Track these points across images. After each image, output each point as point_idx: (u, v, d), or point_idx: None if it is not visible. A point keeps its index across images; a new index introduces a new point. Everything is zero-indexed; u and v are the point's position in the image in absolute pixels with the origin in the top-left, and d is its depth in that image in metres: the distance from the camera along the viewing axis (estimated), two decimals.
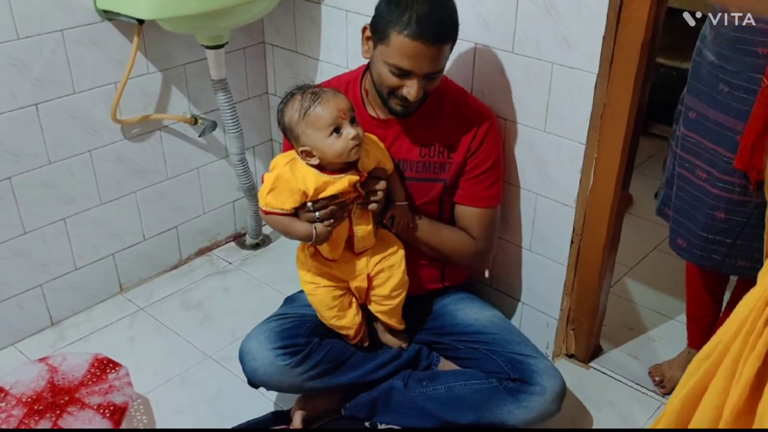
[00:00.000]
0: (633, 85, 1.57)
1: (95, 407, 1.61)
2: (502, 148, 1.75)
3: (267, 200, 1.50)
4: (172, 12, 1.78)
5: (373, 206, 1.56)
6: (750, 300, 0.94)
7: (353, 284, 1.64)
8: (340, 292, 1.64)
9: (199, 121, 2.18)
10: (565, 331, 1.94)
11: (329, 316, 1.65)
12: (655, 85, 1.75)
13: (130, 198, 2.15)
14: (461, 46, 1.77)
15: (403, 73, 1.48)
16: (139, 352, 1.99)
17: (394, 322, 1.72)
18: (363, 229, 1.58)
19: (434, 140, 1.66)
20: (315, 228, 1.49)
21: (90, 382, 1.68)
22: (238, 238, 2.50)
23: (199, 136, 2.22)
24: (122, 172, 2.10)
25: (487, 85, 1.78)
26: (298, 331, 1.65)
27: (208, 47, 2.00)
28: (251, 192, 2.27)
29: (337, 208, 1.51)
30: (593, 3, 1.51)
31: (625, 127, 1.62)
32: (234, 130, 2.16)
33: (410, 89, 1.48)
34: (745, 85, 1.40)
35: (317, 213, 1.49)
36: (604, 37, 1.53)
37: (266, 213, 1.52)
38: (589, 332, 1.93)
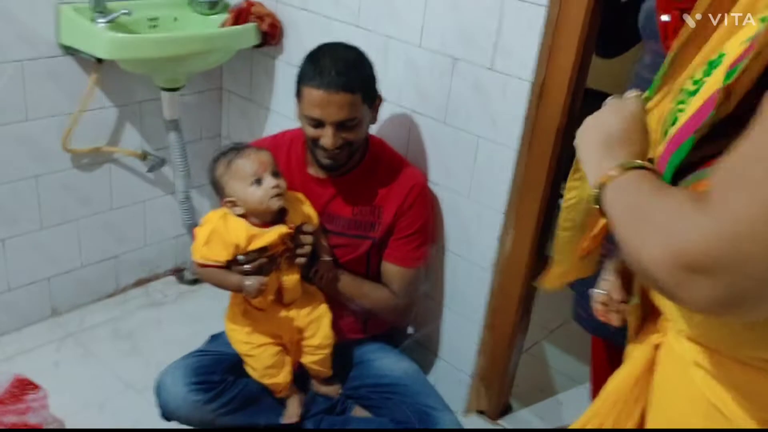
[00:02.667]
0: (548, 164, 1.71)
1: (9, 426, 1.64)
2: (431, 213, 1.86)
3: (202, 252, 1.58)
4: (130, 54, 1.89)
5: (300, 259, 1.65)
6: (619, 378, 1.05)
7: (286, 338, 1.72)
8: (277, 349, 1.70)
9: (149, 156, 2.27)
10: (478, 387, 2.03)
11: (265, 374, 1.70)
12: None
13: (72, 225, 2.21)
14: (398, 111, 1.90)
15: (317, 123, 1.61)
16: (62, 376, 2.02)
17: (326, 369, 1.80)
18: (291, 281, 1.66)
19: (367, 200, 1.77)
20: (247, 281, 1.56)
21: (7, 401, 1.71)
22: (178, 273, 2.56)
23: (148, 171, 2.31)
24: (67, 199, 2.17)
25: (420, 149, 1.90)
26: (215, 369, 1.71)
27: (163, 89, 2.10)
28: (193, 229, 2.34)
29: (266, 261, 1.59)
30: (517, 87, 1.66)
31: (539, 202, 1.75)
32: (182, 169, 2.25)
33: (325, 138, 1.61)
34: None
35: (247, 266, 1.57)
36: (525, 118, 1.67)
37: (201, 266, 1.60)
38: (499, 390, 2.02)
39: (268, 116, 2.32)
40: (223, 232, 1.57)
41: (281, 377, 1.72)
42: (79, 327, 2.25)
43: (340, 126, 1.61)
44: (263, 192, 1.54)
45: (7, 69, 1.89)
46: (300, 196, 1.70)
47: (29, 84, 1.95)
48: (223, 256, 1.57)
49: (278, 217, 1.60)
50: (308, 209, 1.69)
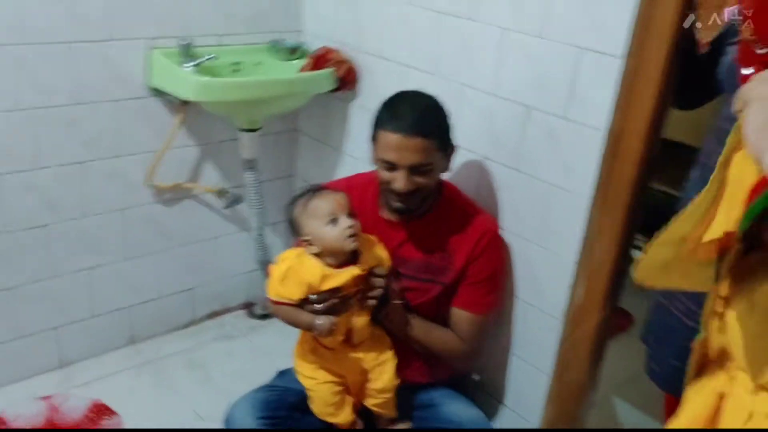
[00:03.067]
0: (623, 214, 1.68)
1: None
2: (503, 260, 1.86)
3: (277, 290, 1.62)
4: (214, 97, 1.98)
5: (372, 301, 1.67)
6: (679, 424, 1.02)
7: (350, 379, 1.74)
8: (339, 388, 1.73)
9: (226, 194, 2.35)
10: None
11: (325, 412, 1.73)
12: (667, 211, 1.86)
13: (153, 256, 2.31)
14: (471, 158, 1.92)
15: (390, 166, 1.64)
16: (137, 403, 2.09)
17: (391, 413, 1.80)
18: (361, 323, 1.68)
19: (439, 244, 1.78)
20: (318, 320, 1.60)
21: (84, 425, 1.78)
22: (249, 307, 2.63)
23: (225, 207, 2.39)
24: (149, 231, 2.27)
25: (491, 196, 1.91)
26: (282, 404, 1.74)
27: (242, 130, 2.19)
28: (265, 265, 2.41)
29: (338, 302, 1.62)
30: (591, 136, 1.65)
31: (613, 252, 1.72)
32: (257, 206, 2.32)
33: (398, 181, 1.64)
34: None
35: (318, 305, 1.60)
36: (598, 168, 1.66)
37: (275, 303, 1.64)
38: None
39: (340, 159, 2.38)
40: (298, 271, 1.61)
41: (342, 417, 1.73)
42: (155, 356, 2.33)
43: (413, 170, 1.63)
44: (339, 231, 1.58)
45: (102, 108, 2.01)
46: (373, 238, 1.73)
47: (121, 123, 2.06)
48: (296, 294, 1.60)
49: (351, 258, 1.63)
50: (381, 252, 1.72)
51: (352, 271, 1.61)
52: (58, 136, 1.97)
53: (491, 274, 1.80)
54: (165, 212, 2.28)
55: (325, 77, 2.14)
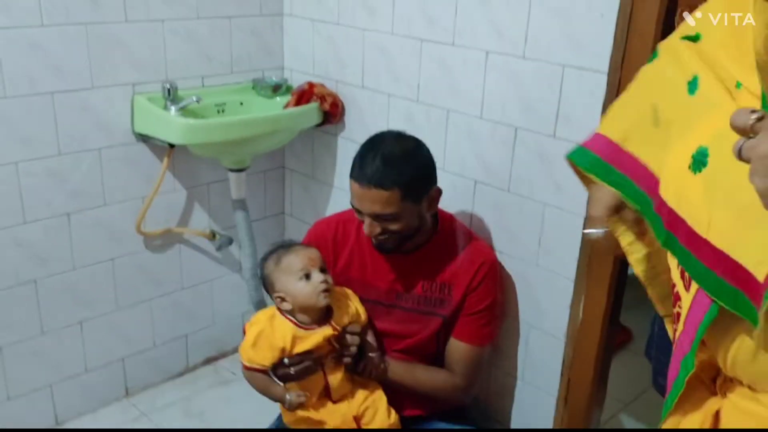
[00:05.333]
0: None
1: None
2: (500, 290, 1.84)
3: (249, 355, 1.60)
4: (200, 139, 1.97)
5: (346, 360, 1.65)
6: None
7: (344, 425, 1.69)
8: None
9: (217, 236, 2.32)
10: None
11: None
12: None
13: (145, 305, 2.27)
14: (461, 182, 1.92)
15: (359, 212, 1.65)
16: None
17: None
18: (337, 380, 1.66)
19: (436, 276, 1.76)
20: (289, 396, 1.58)
21: None
22: None
23: (216, 250, 2.36)
24: (140, 280, 2.23)
25: (485, 219, 1.90)
26: None
27: (231, 170, 2.18)
28: (260, 307, 2.37)
29: (311, 363, 1.60)
30: None
31: (611, 267, 1.71)
32: (249, 247, 2.30)
33: (365, 226, 1.66)
34: None
35: (292, 369, 1.58)
36: None
37: (247, 368, 1.62)
38: None
39: (330, 193, 2.37)
40: (270, 335, 1.59)
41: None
42: (151, 406, 2.27)
43: (376, 218, 1.64)
44: (312, 287, 1.57)
45: (87, 158, 1.99)
46: (348, 292, 1.72)
47: (106, 171, 2.04)
48: (268, 359, 1.59)
49: (325, 315, 1.61)
50: (355, 305, 1.70)
51: (324, 333, 1.59)
52: (44, 189, 1.94)
53: (490, 305, 1.76)
54: (155, 259, 2.25)
55: (310, 112, 2.15)
